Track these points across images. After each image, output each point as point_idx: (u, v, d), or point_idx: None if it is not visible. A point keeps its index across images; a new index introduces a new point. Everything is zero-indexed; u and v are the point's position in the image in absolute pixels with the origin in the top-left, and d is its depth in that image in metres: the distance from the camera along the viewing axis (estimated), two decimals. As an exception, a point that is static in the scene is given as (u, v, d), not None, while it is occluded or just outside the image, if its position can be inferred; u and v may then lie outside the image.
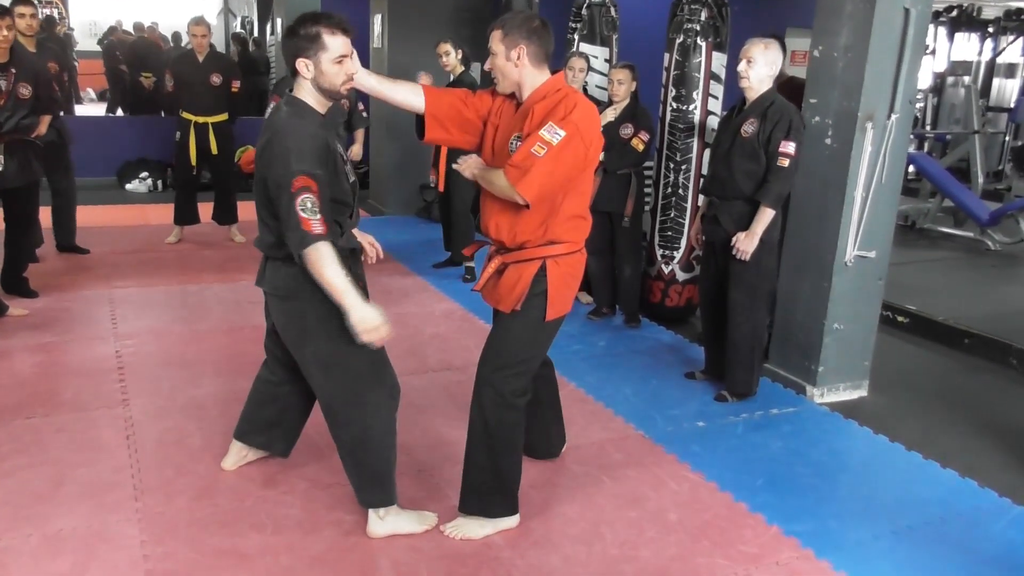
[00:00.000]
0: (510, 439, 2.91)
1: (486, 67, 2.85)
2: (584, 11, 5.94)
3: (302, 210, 2.45)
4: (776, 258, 4.15)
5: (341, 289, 2.51)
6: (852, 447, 3.84)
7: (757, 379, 4.23)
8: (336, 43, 2.56)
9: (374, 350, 2.73)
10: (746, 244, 3.88)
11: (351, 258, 2.81)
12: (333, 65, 2.58)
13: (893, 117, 3.99)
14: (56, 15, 11.80)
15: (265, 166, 2.57)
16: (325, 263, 2.49)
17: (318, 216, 2.46)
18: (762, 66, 3.85)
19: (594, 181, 4.96)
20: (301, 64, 2.58)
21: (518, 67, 2.73)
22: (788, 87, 4.64)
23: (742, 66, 3.89)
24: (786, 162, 3.81)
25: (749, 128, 3.89)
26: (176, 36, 12.44)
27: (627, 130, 4.90)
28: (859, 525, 3.13)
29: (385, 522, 2.87)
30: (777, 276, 4.31)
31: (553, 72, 2.81)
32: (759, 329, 4.12)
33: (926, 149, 10.63)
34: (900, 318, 5.52)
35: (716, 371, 4.36)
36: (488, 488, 2.92)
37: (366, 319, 2.53)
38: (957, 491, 3.44)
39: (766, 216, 3.87)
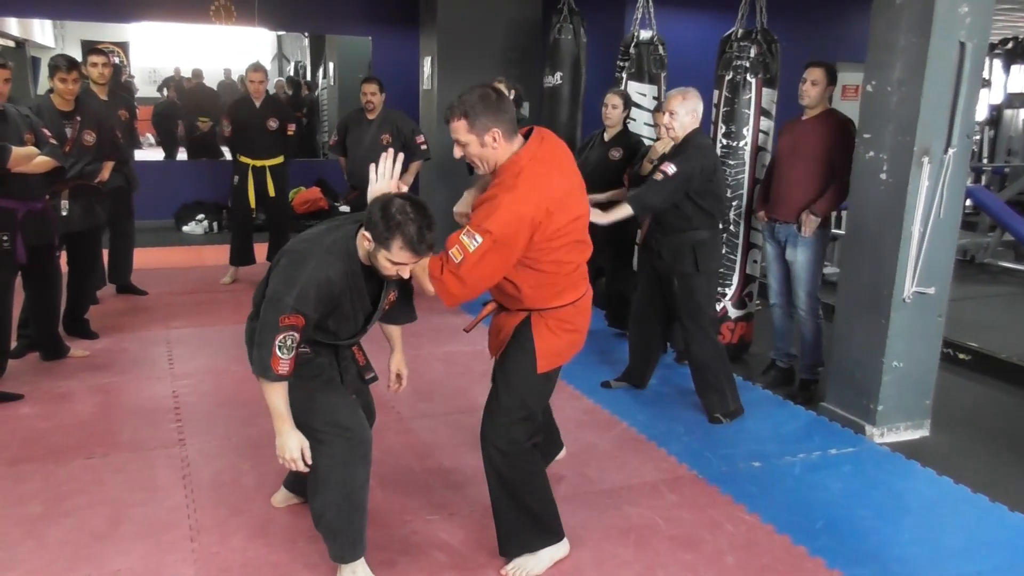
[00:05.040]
0: (526, 478, 2.87)
1: (456, 156, 2.66)
2: (632, 49, 5.98)
3: (279, 347, 2.47)
4: (714, 284, 4.50)
5: (277, 415, 2.58)
6: (915, 489, 3.73)
7: (735, 395, 4.39)
8: (401, 256, 2.46)
9: (328, 403, 2.73)
10: (594, 217, 3.85)
11: (341, 349, 2.84)
12: (385, 260, 2.50)
13: (950, 151, 3.92)
14: (118, 63, 12.19)
15: (277, 270, 2.57)
16: (271, 394, 2.56)
17: (290, 356, 2.49)
18: (684, 115, 4.11)
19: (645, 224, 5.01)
20: (364, 235, 2.51)
21: (496, 149, 2.58)
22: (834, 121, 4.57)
23: (666, 119, 4.16)
24: (659, 176, 4.10)
25: (669, 170, 4.12)
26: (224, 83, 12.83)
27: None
28: (925, 570, 3.03)
29: None
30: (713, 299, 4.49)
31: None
32: (717, 349, 4.34)
33: (984, 182, 10.43)
34: (961, 355, 5.39)
35: (634, 380, 4.73)
36: (521, 525, 2.90)
37: (284, 446, 2.59)
38: (1027, 535, 3.32)
39: (622, 211, 4.15)
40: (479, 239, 2.48)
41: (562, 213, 2.58)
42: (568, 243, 2.65)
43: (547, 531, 2.94)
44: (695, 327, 4.29)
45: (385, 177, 2.68)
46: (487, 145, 2.57)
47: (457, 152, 2.65)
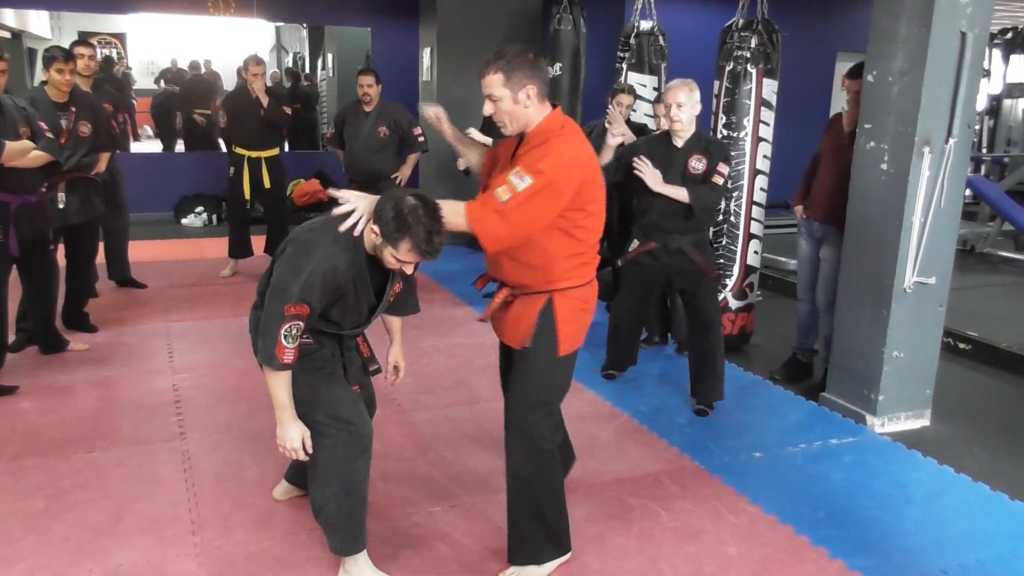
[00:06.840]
0: (547, 484, 2.82)
1: (485, 112, 2.64)
2: (632, 40, 5.96)
3: (284, 336, 2.47)
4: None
5: (279, 404, 2.59)
6: (916, 478, 3.73)
7: None
8: (408, 256, 2.47)
9: (331, 396, 2.72)
10: (652, 179, 4.12)
11: (345, 339, 2.83)
12: (391, 256, 2.50)
13: (951, 141, 3.91)
14: (115, 55, 12.13)
15: (283, 259, 2.56)
16: (274, 383, 2.56)
17: (294, 345, 2.49)
18: (691, 107, 4.09)
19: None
20: (372, 228, 2.49)
21: (528, 107, 2.58)
22: None
23: (673, 111, 4.10)
24: (720, 180, 4.13)
25: (699, 165, 4.14)
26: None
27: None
28: (926, 559, 3.04)
29: None
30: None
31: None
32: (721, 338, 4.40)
33: (983, 172, 10.42)
34: (962, 345, 5.39)
35: (622, 367, 4.79)
36: (534, 536, 2.84)
37: (285, 436, 2.60)
38: (1028, 524, 3.32)
39: (681, 194, 4.12)
40: (529, 179, 2.48)
41: (597, 176, 2.64)
42: (599, 211, 2.69)
43: (557, 545, 2.89)
44: (714, 316, 4.31)
45: (352, 203, 2.60)
46: (520, 102, 2.57)
47: (487, 108, 2.61)
